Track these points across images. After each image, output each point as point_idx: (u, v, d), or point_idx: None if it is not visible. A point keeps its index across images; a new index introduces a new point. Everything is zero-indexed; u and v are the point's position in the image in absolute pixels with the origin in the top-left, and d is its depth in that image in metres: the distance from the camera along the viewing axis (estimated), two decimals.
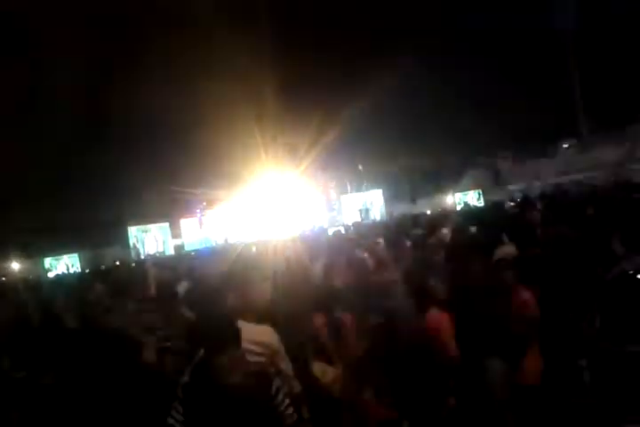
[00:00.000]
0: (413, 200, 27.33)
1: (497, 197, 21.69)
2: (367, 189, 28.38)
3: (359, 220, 26.87)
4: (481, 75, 26.31)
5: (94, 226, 26.07)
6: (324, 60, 26.39)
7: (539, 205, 9.68)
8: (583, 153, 26.51)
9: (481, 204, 24.52)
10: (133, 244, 27.51)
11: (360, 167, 28.81)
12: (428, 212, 21.09)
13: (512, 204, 12.91)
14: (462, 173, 28.50)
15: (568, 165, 25.39)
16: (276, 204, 27.86)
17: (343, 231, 14.41)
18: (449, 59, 26.98)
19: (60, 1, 26.05)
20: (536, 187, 21.65)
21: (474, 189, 26.90)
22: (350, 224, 21.70)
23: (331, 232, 15.53)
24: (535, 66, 26.63)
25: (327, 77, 26.33)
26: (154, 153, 26.71)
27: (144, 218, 27.76)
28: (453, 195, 26.91)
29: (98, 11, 26.25)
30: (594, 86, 26.34)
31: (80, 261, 25.63)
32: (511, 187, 25.59)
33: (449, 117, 27.57)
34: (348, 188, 28.93)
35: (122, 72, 27.26)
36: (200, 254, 16.72)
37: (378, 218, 26.57)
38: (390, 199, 27.88)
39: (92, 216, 26.22)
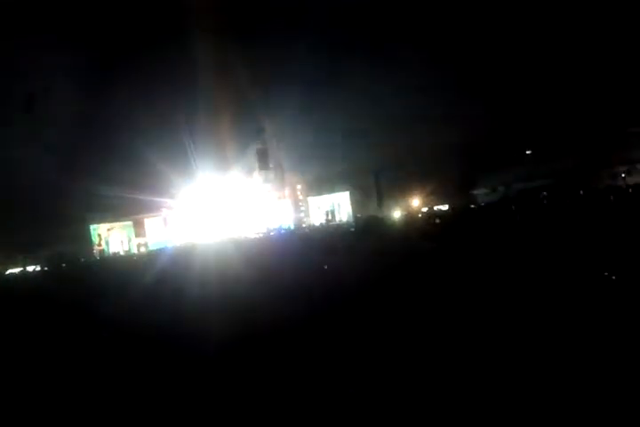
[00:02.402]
0: (380, 203, 27.52)
1: (461, 201, 22.01)
2: (334, 191, 28.50)
3: (325, 221, 27.04)
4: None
5: (56, 224, 25.52)
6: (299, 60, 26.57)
7: None
8: (544, 162, 27.04)
9: (445, 207, 24.82)
10: (98, 242, 27.10)
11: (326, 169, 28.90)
12: (397, 214, 21.36)
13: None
14: (428, 178, 28.77)
15: (530, 173, 25.87)
16: (241, 204, 27.79)
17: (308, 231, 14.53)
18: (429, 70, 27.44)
19: None
20: (499, 192, 22.05)
21: (438, 193, 27.16)
22: (317, 225, 21.78)
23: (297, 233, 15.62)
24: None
25: (302, 79, 26.41)
26: (120, 151, 26.33)
27: (107, 217, 27.40)
28: (419, 198, 27.18)
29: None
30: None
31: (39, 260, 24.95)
32: (475, 192, 26.01)
33: (418, 124, 27.85)
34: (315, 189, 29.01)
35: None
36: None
37: (344, 220, 26.74)
38: (357, 202, 28.04)
39: (54, 213, 25.66)
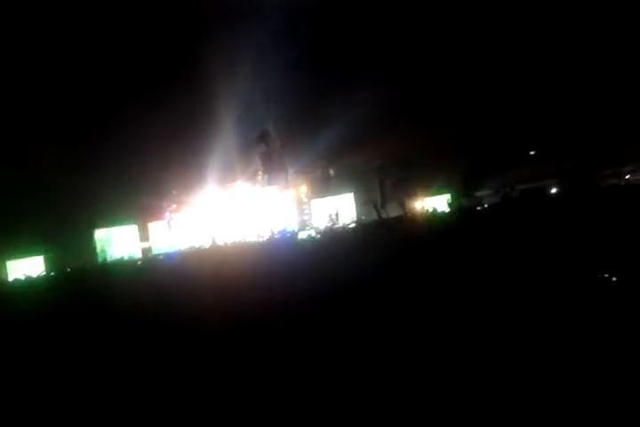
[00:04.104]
0: (383, 205, 27.38)
1: (465, 202, 21.94)
2: (339, 193, 28.38)
3: (330, 224, 26.93)
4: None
5: (61, 229, 25.57)
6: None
7: None
8: (548, 162, 26.92)
9: (449, 209, 24.63)
10: (101, 247, 27.07)
11: (331, 172, 28.85)
12: (402, 216, 21.20)
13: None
14: (432, 179, 28.67)
15: (534, 173, 25.76)
16: (245, 208, 27.74)
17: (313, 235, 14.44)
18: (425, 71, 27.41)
19: None
20: (502, 192, 21.94)
21: (443, 194, 27.03)
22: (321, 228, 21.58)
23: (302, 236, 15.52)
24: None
25: (307, 83, 26.48)
26: (123, 157, 26.41)
27: (111, 221, 27.38)
28: (422, 200, 27.03)
29: None
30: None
31: (45, 265, 25.02)
32: (479, 193, 25.90)
33: (420, 124, 27.80)
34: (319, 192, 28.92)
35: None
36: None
37: (348, 222, 26.61)
38: (361, 203, 27.93)
39: (59, 219, 25.70)
